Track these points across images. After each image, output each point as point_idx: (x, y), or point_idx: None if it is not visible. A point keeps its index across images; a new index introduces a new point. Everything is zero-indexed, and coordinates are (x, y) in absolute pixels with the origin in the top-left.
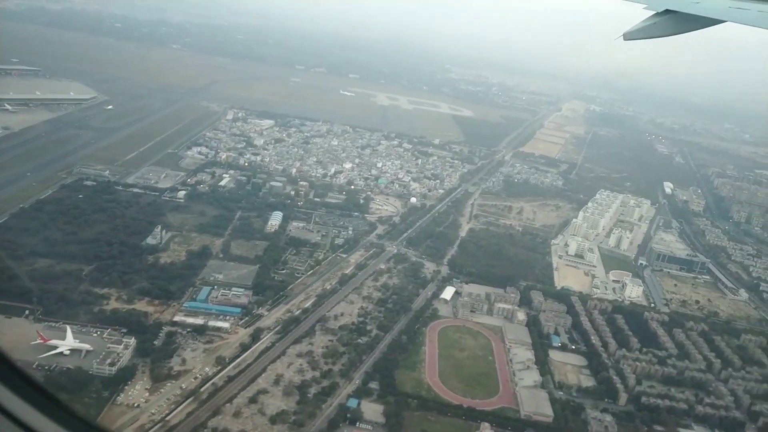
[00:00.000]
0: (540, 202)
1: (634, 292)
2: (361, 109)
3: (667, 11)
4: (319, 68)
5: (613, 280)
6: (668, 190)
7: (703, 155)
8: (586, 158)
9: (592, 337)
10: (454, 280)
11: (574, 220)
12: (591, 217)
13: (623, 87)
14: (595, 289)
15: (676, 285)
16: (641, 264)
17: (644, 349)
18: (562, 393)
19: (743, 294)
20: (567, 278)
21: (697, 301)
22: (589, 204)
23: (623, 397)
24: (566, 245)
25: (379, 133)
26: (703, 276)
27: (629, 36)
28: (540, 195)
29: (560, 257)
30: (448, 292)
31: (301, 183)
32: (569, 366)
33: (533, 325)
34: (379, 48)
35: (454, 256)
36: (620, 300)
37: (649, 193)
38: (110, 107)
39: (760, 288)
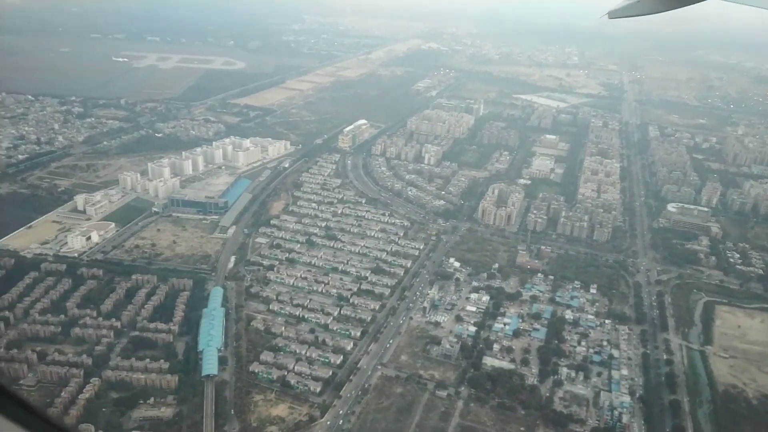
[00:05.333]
0: (143, 158)
1: (77, 243)
2: (98, 74)
3: None
4: (119, 35)
5: (81, 234)
6: (350, 128)
7: (478, 85)
8: (307, 104)
9: None
10: None
11: (124, 173)
12: (156, 168)
13: (510, 18)
14: (35, 245)
15: (159, 230)
16: (154, 211)
17: None
18: None
19: (230, 232)
20: (28, 236)
21: (137, 246)
22: (184, 153)
23: None
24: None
25: (59, 100)
26: (212, 216)
27: (614, 14)
28: (161, 150)
29: (58, 214)
30: None
31: None
32: None
33: None
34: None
35: None
36: (46, 254)
37: (332, 132)
38: None
39: (271, 223)
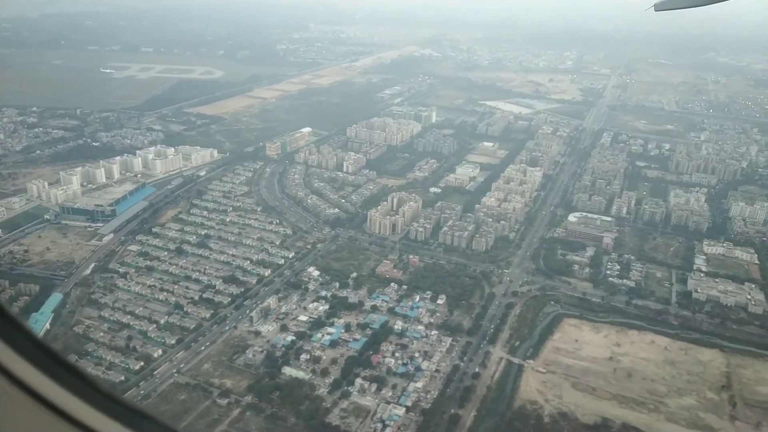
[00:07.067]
0: (69, 166)
1: None
2: (75, 85)
3: None
4: (115, 46)
5: None
6: (290, 135)
7: (450, 92)
8: (263, 112)
9: None
10: None
11: (32, 182)
12: (66, 176)
13: (526, 23)
14: None
15: (40, 237)
16: (46, 218)
17: None
18: None
19: (105, 239)
20: None
21: (10, 252)
22: (102, 161)
23: None
24: None
25: (19, 111)
26: (99, 224)
27: (661, 6)
28: (91, 159)
29: None
30: None
31: None
32: None
33: None
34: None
35: None
36: None
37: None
38: None
39: (153, 231)
